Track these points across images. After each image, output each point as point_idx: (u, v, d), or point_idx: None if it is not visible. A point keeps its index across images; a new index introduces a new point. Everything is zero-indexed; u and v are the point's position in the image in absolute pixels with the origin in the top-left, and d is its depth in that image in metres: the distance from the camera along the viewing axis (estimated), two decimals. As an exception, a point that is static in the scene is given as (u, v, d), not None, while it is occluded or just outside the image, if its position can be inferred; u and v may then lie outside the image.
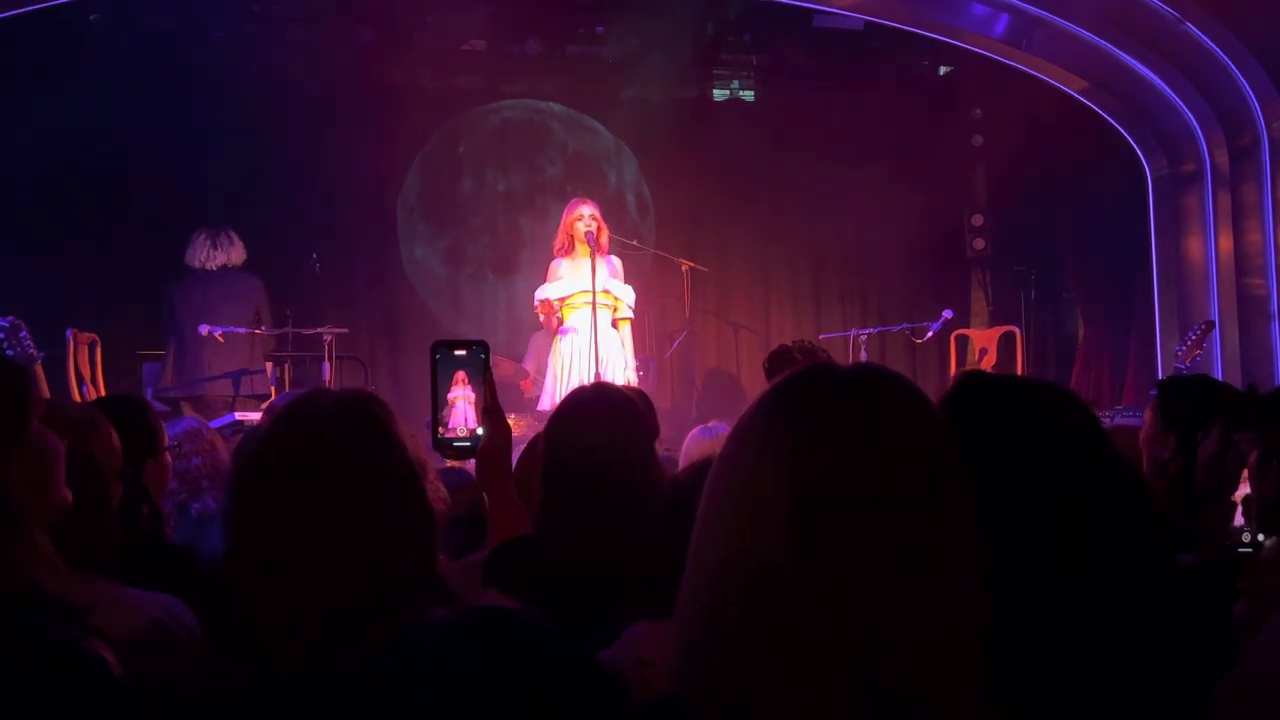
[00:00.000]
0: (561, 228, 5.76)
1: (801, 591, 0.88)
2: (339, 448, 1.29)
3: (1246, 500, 1.69)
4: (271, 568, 1.25)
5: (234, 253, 6.28)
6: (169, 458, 2.38)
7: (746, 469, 0.93)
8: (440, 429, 1.63)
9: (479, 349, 1.65)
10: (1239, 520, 1.76)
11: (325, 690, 1.18)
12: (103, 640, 1.26)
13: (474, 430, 1.64)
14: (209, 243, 6.24)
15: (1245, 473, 1.72)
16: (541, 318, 5.87)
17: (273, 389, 6.21)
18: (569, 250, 5.72)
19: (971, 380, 1.20)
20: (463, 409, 1.65)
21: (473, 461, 1.80)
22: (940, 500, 0.91)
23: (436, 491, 1.43)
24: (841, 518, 0.89)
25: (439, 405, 1.64)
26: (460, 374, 1.64)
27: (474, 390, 1.64)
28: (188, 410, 5.78)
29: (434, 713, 0.80)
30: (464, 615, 0.85)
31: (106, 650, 1.25)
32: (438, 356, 1.64)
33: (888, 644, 0.87)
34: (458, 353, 1.64)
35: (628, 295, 5.82)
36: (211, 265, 6.22)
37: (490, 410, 1.65)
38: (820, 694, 0.88)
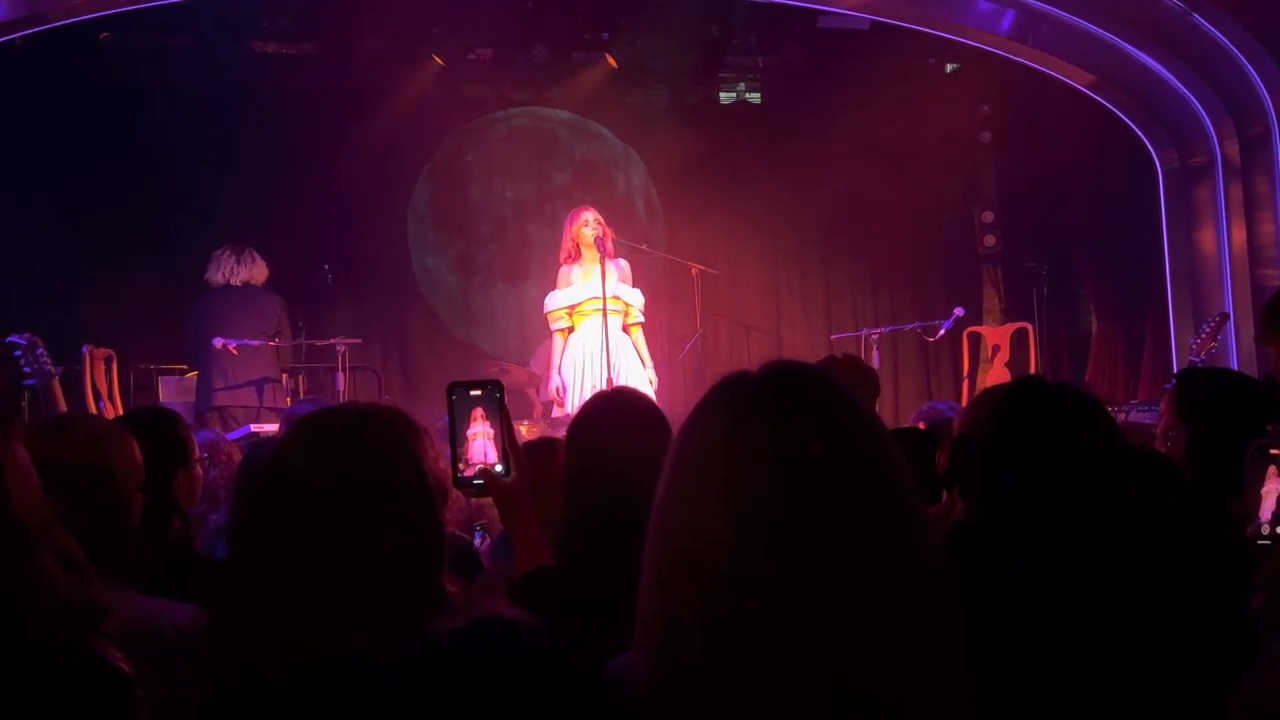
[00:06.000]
0: (567, 236, 5.78)
1: (736, 592, 0.88)
2: (346, 461, 1.30)
3: None
4: (267, 572, 1.27)
5: (256, 271, 6.30)
6: (199, 469, 2.41)
7: (686, 474, 0.95)
8: (460, 466, 1.65)
9: (494, 388, 1.67)
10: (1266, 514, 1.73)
11: (314, 693, 1.19)
12: (115, 645, 1.28)
13: (493, 466, 1.66)
14: (233, 258, 6.26)
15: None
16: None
17: (288, 399, 6.24)
18: (577, 257, 5.75)
19: (1028, 386, 1.19)
20: (482, 445, 1.66)
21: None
22: (857, 494, 0.90)
23: (455, 502, 1.44)
24: (768, 515, 0.89)
25: (458, 443, 1.66)
26: (478, 411, 1.66)
27: (492, 426, 1.66)
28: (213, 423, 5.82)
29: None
30: (462, 627, 0.86)
31: (119, 655, 1.27)
32: (454, 397, 1.66)
33: (833, 641, 0.87)
34: (473, 392, 1.66)
35: (637, 299, 5.83)
36: (235, 281, 6.24)
37: (508, 449, 1.66)
38: (776, 697, 0.87)
